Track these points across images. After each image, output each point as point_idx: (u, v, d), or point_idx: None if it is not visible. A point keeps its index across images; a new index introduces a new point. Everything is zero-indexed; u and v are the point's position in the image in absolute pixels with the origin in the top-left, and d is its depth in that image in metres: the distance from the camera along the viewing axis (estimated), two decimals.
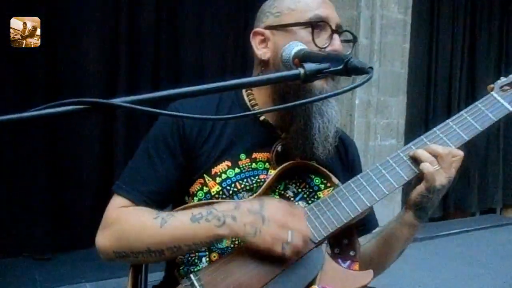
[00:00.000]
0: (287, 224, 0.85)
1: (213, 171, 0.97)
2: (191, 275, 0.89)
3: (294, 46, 0.90)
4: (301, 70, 0.69)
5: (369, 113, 3.75)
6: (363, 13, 3.72)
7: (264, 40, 0.99)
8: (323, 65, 0.71)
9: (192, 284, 0.88)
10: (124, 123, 3.16)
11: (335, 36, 0.95)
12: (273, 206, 0.87)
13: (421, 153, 0.92)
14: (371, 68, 0.72)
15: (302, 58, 0.85)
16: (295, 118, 0.95)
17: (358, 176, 0.94)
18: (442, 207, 5.21)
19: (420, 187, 0.93)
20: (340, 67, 0.73)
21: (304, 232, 0.86)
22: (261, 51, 0.99)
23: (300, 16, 0.95)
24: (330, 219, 0.91)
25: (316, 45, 0.93)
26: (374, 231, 1.10)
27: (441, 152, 0.91)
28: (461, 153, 0.94)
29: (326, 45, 0.94)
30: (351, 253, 0.95)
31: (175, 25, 3.48)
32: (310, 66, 0.69)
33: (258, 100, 1.02)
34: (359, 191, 0.93)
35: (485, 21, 5.25)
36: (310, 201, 0.98)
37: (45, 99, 2.79)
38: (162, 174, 0.96)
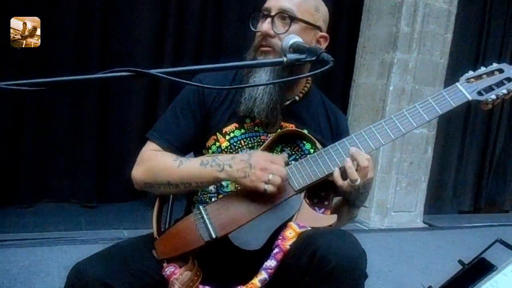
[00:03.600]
0: (268, 168, 1.09)
1: (224, 130, 1.23)
2: (200, 206, 1.16)
3: (291, 38, 1.12)
4: (284, 59, 0.90)
5: (402, 100, 3.81)
6: (406, 0, 3.74)
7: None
8: (300, 56, 0.92)
9: (201, 213, 1.14)
10: (166, 89, 3.48)
11: (267, 19, 1.18)
12: (258, 156, 1.12)
13: (348, 167, 1.11)
14: (333, 61, 0.92)
15: (295, 48, 1.06)
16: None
17: (336, 143, 1.17)
18: (474, 201, 5.21)
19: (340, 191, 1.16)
20: (314, 58, 0.93)
21: (281, 172, 1.10)
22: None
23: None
24: (309, 174, 1.15)
25: (251, 26, 1.23)
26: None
27: (362, 165, 1.10)
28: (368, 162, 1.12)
29: (258, 28, 1.21)
30: (326, 203, 1.20)
31: (221, 5, 3.70)
32: (291, 56, 0.90)
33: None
34: (334, 155, 1.15)
35: None
36: None
37: (100, 67, 3.14)
38: (183, 128, 1.23)
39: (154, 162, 1.19)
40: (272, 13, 1.18)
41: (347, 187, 1.12)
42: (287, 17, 1.17)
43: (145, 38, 3.47)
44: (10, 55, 2.96)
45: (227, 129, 1.23)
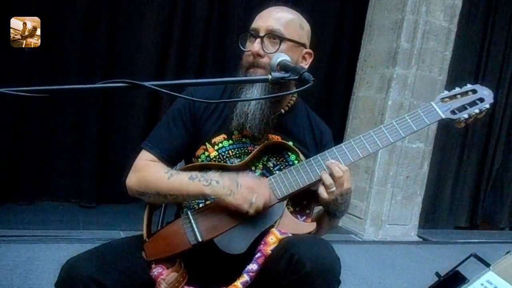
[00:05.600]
0: (254, 190, 1.15)
1: (213, 140, 1.30)
2: (188, 211, 1.23)
3: (279, 56, 1.19)
4: (269, 76, 0.97)
5: (399, 114, 3.85)
6: (407, 17, 3.81)
7: None
8: (285, 74, 0.99)
9: (188, 217, 1.22)
10: (168, 99, 3.55)
11: (256, 39, 1.25)
12: (246, 177, 1.19)
13: (325, 177, 1.19)
14: (314, 80, 0.99)
15: (282, 66, 1.14)
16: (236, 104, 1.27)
17: (318, 155, 1.24)
18: (469, 217, 5.24)
19: (320, 201, 1.23)
20: (296, 77, 1.00)
21: (265, 196, 1.17)
22: None
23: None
24: (291, 184, 1.22)
25: (240, 46, 1.30)
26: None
27: (336, 176, 1.18)
28: (345, 173, 1.19)
29: (248, 48, 1.27)
30: (307, 211, 1.28)
31: (226, 17, 3.79)
32: (275, 74, 0.98)
33: None
34: (316, 166, 1.22)
35: None
36: None
37: (104, 77, 3.24)
38: (175, 138, 1.30)
39: (147, 172, 1.26)
40: (261, 34, 1.24)
41: (326, 197, 1.19)
42: (276, 37, 1.24)
43: (149, 50, 3.56)
44: (14, 58, 3.05)
45: (215, 139, 1.30)
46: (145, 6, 3.52)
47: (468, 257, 1.47)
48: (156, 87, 0.85)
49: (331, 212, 1.27)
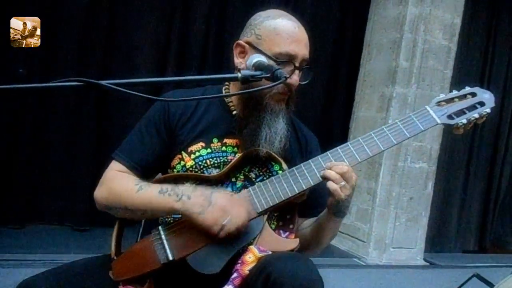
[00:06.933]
0: (227, 211, 1.05)
1: (189, 149, 1.21)
2: (160, 227, 1.13)
3: (255, 57, 1.11)
4: (239, 74, 0.91)
5: None
6: (406, 36, 3.78)
7: (243, 52, 1.20)
8: (255, 72, 0.93)
9: (159, 233, 1.13)
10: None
11: (296, 72, 1.15)
12: (221, 195, 1.09)
13: (329, 173, 1.10)
14: (286, 77, 0.92)
15: (256, 66, 1.07)
16: (248, 123, 1.17)
17: (301, 164, 1.15)
18: (478, 240, 5.06)
19: (330, 200, 1.12)
20: (269, 74, 0.93)
21: (240, 219, 1.06)
22: (239, 61, 1.21)
23: (273, 48, 1.15)
24: (272, 196, 1.12)
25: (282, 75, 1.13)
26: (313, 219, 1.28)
27: (345, 170, 1.08)
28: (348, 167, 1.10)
29: (289, 81, 1.13)
30: (291, 226, 1.18)
31: (226, 14, 3.75)
32: (245, 72, 0.91)
33: (232, 97, 1.26)
34: (300, 177, 1.12)
35: None
36: None
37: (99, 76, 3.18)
38: (149, 147, 1.22)
39: (115, 184, 1.18)
40: (297, 64, 1.16)
41: (341, 194, 1.09)
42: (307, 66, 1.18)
43: (148, 49, 3.52)
44: (12, 57, 3.01)
45: (192, 148, 1.21)
46: (144, 3, 3.49)
47: (471, 278, 1.36)
48: (114, 86, 0.79)
49: (340, 211, 1.15)
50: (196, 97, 1.19)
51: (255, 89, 0.98)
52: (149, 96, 0.85)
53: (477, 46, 4.66)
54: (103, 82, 0.78)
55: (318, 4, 4.15)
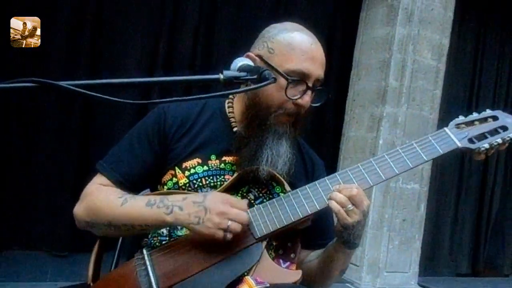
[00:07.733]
0: (226, 213, 0.95)
1: (184, 164, 1.09)
2: (144, 250, 1.01)
3: (240, 60, 1.01)
4: (221, 76, 0.81)
5: None
6: (395, 56, 3.77)
7: None
8: (240, 74, 0.83)
9: (143, 258, 1.00)
10: None
11: (308, 92, 1.05)
12: (214, 198, 0.97)
13: (335, 195, 0.99)
14: (274, 78, 0.83)
15: (242, 69, 0.97)
16: (249, 143, 1.06)
17: (306, 186, 1.03)
18: (471, 263, 4.97)
19: (337, 225, 1.01)
20: (255, 76, 0.84)
21: (242, 218, 0.96)
22: None
23: (285, 64, 1.05)
24: (273, 220, 1.00)
25: (286, 95, 1.04)
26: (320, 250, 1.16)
27: (354, 193, 0.97)
28: (359, 189, 1.00)
29: (296, 97, 1.04)
30: (292, 255, 1.05)
31: (215, 19, 3.70)
32: (227, 73, 0.82)
33: (235, 110, 1.16)
34: (304, 199, 1.01)
35: None
36: None
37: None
38: (139, 159, 1.09)
39: (96, 198, 1.05)
40: (310, 84, 1.06)
41: (349, 221, 0.98)
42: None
43: (137, 52, 3.44)
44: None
45: (187, 163, 1.09)
46: (133, 6, 3.42)
47: None
48: (73, 88, 0.68)
49: (349, 241, 1.03)
50: (198, 96, 1.07)
51: (243, 89, 0.88)
52: (117, 99, 0.73)
53: (465, 66, 4.69)
54: (61, 83, 0.67)
55: (306, 24, 4.14)
